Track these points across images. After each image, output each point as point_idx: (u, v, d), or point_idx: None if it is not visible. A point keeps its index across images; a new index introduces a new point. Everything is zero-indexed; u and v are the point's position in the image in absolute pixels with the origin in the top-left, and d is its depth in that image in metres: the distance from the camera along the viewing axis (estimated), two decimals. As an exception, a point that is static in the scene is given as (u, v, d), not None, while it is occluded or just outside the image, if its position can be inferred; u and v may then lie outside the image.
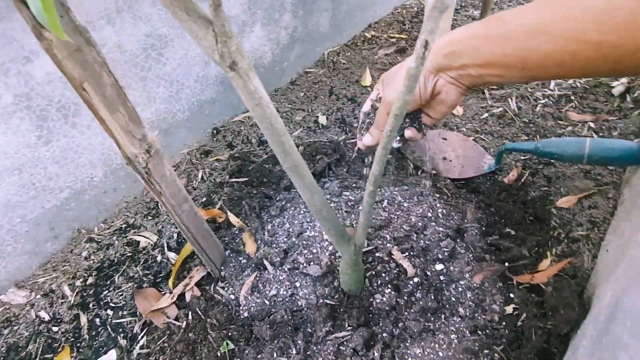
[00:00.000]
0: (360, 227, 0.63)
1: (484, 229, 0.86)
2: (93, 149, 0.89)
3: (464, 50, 0.52)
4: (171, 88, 0.99)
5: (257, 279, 0.81)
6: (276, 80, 1.31)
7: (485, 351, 0.67)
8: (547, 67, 0.47)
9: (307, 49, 1.37)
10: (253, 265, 0.83)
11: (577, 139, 0.84)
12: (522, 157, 1.03)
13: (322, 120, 1.21)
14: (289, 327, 0.72)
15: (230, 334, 0.72)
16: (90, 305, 0.84)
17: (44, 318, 0.82)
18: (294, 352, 0.68)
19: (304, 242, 0.83)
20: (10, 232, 0.82)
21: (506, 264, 0.78)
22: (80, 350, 0.77)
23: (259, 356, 0.68)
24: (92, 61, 0.49)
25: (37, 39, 0.43)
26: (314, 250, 0.82)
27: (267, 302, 0.77)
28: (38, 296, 0.86)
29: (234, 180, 1.04)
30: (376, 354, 0.68)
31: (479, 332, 0.70)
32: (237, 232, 0.90)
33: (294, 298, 0.77)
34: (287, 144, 0.51)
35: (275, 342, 0.69)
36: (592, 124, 1.08)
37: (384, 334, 0.71)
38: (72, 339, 0.79)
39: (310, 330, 0.72)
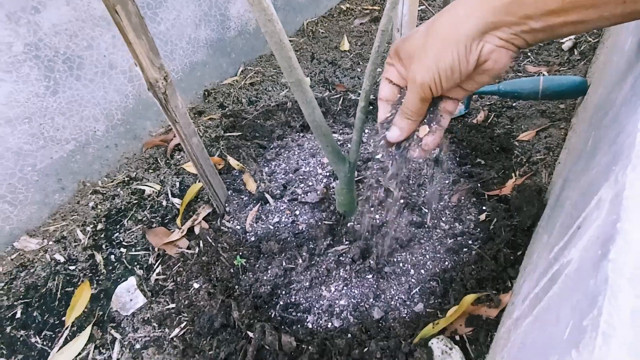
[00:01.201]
0: (353, 144, 0.72)
1: (457, 159, 0.98)
2: (96, 103, 0.94)
3: None
4: (165, 48, 1.05)
5: (260, 210, 0.89)
6: (260, 46, 1.38)
7: (464, 249, 0.78)
8: None
9: (288, 18, 1.45)
10: (255, 200, 0.91)
11: (532, 78, 0.97)
12: (488, 102, 1.15)
13: (307, 81, 1.30)
14: (294, 244, 0.81)
15: (240, 253, 0.80)
16: (103, 246, 0.90)
17: (59, 260, 0.88)
18: (301, 261, 0.77)
19: (301, 177, 0.92)
20: (21, 181, 0.86)
21: (479, 184, 0.90)
22: (100, 282, 0.83)
23: (270, 266, 0.77)
24: (118, -11, 0.56)
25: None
26: (310, 183, 0.91)
27: (271, 227, 0.85)
28: (50, 242, 0.91)
29: (228, 134, 1.11)
30: (372, 262, 0.78)
31: (458, 238, 0.82)
32: (237, 174, 0.98)
33: (295, 223, 0.86)
34: (293, 59, 0.59)
35: (283, 254, 0.78)
36: (546, 74, 1.22)
37: (378, 245, 0.82)
38: (90, 274, 0.85)
39: (312, 245, 0.81)
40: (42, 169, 0.89)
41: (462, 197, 0.88)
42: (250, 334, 0.67)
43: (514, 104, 1.14)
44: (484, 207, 0.86)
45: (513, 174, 0.93)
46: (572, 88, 0.93)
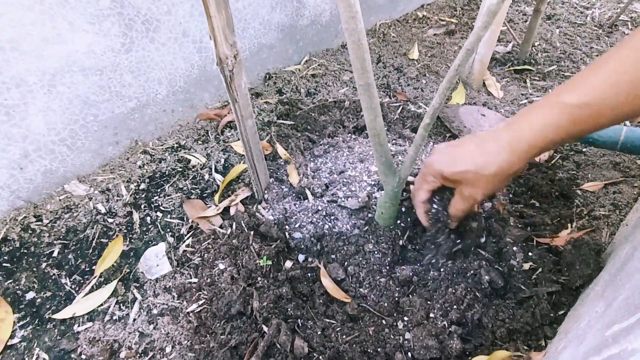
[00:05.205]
0: (408, 159, 0.69)
1: (511, 196, 0.92)
2: (163, 67, 0.96)
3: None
4: (238, 25, 1.06)
5: (297, 206, 0.88)
6: (329, 40, 1.36)
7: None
8: None
9: (362, 16, 1.42)
10: (294, 194, 0.90)
11: (614, 126, 0.89)
12: (556, 142, 1.07)
13: (368, 83, 1.27)
14: (325, 249, 0.79)
15: (267, 252, 0.79)
16: (142, 206, 0.92)
17: (100, 210, 0.91)
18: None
19: (344, 180, 0.90)
20: (82, 128, 0.90)
21: (529, 228, 0.84)
22: (132, 240, 0.86)
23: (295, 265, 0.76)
24: (209, -37, 0.55)
25: None
26: (353, 188, 0.89)
27: (304, 225, 0.84)
28: (96, 192, 0.94)
29: (281, 121, 1.11)
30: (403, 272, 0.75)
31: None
32: (282, 163, 0.98)
33: (330, 227, 0.84)
34: (367, 61, 0.57)
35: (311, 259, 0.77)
36: (628, 124, 1.12)
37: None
38: (125, 231, 0.87)
39: (343, 252, 0.79)
40: (103, 120, 0.93)
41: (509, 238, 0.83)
42: (265, 328, 0.67)
43: (584, 149, 1.06)
44: (530, 254, 0.80)
45: (569, 225, 0.86)
46: (657, 146, 0.85)
